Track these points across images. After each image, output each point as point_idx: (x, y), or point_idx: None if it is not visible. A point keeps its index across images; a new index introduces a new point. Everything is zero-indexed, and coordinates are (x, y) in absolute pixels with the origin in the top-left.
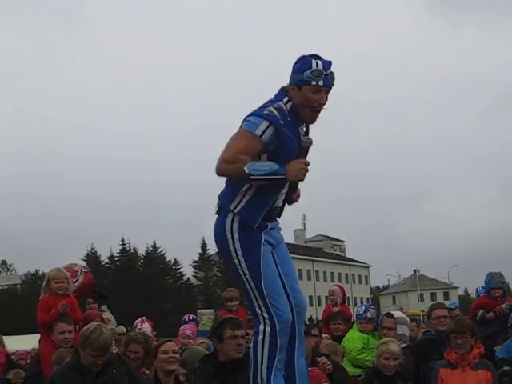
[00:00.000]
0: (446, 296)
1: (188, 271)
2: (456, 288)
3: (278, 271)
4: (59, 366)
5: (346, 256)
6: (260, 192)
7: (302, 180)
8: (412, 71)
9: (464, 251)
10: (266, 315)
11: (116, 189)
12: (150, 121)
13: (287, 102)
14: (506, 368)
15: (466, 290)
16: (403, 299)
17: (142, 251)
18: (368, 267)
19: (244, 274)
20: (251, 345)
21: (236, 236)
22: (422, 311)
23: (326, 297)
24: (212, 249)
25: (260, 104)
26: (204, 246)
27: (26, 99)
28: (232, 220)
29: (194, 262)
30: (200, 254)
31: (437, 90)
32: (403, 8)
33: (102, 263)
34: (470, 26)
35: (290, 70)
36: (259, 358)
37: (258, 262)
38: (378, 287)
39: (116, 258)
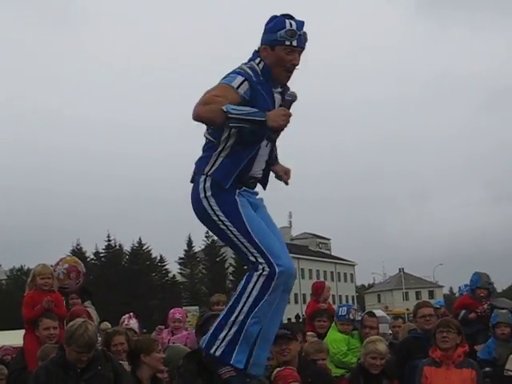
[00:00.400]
0: (431, 295)
1: (174, 268)
2: (441, 287)
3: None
4: (44, 361)
5: (332, 254)
6: (234, 152)
7: (282, 128)
8: (401, 71)
9: (449, 250)
10: (261, 260)
11: (102, 184)
12: (139, 114)
13: (259, 62)
14: (487, 369)
15: (451, 288)
16: (388, 298)
17: (127, 247)
18: (353, 265)
19: (226, 227)
20: (242, 280)
21: (209, 193)
22: (407, 310)
23: (311, 294)
24: (198, 246)
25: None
26: (190, 243)
27: (17, 91)
28: (204, 181)
29: (180, 258)
30: (186, 250)
31: (427, 89)
32: (391, 9)
33: (88, 259)
34: (459, 25)
35: (264, 28)
36: (247, 292)
37: (236, 208)
38: (363, 285)
39: (101, 254)
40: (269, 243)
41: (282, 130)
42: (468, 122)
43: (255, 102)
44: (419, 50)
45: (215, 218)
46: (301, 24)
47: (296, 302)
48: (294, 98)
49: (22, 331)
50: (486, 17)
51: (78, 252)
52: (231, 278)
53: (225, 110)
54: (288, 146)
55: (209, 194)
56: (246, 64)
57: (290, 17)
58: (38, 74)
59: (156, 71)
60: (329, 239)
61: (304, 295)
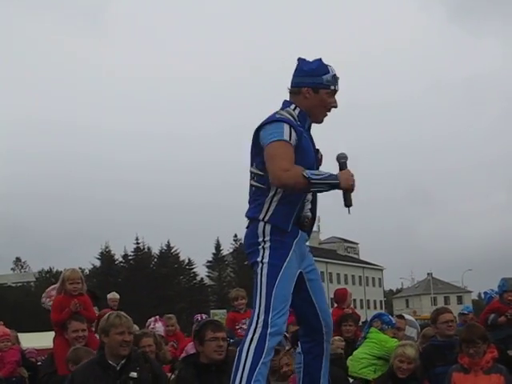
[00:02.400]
0: (460, 300)
1: (202, 271)
2: (469, 292)
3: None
4: (81, 363)
5: (360, 258)
6: (285, 198)
7: (353, 189)
8: (427, 75)
9: (478, 255)
10: (262, 316)
11: (131, 189)
12: (167, 123)
13: (294, 108)
14: None
15: (479, 294)
16: (416, 303)
17: (156, 250)
18: (382, 270)
19: (261, 272)
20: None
21: (267, 238)
22: None
23: (335, 302)
24: (226, 249)
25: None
26: (218, 247)
27: (40, 103)
28: (264, 226)
29: (208, 262)
30: (214, 254)
31: (455, 93)
32: (423, 16)
33: (116, 262)
34: (490, 35)
35: (298, 71)
36: (243, 356)
37: (283, 260)
38: (391, 290)
39: (130, 257)
40: (279, 306)
41: (353, 190)
42: (496, 126)
43: (302, 147)
44: (450, 57)
45: (259, 258)
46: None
47: None
48: (346, 158)
49: (49, 333)
50: None
51: (106, 255)
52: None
53: (307, 176)
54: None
55: (267, 238)
56: (281, 111)
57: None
58: (63, 87)
59: (183, 84)
60: (357, 243)
61: (331, 300)
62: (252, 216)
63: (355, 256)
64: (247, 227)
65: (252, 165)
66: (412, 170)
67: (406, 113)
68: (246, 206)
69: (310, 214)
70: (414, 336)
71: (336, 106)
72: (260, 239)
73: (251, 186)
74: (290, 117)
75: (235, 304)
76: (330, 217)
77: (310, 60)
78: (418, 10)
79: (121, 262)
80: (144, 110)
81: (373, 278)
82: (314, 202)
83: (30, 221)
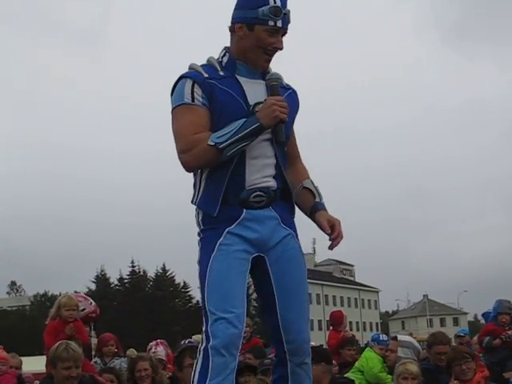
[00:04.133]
0: (456, 322)
1: (197, 294)
2: (466, 314)
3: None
4: None
5: (356, 280)
6: (210, 175)
7: (283, 120)
8: (425, 98)
9: (474, 277)
10: (204, 327)
11: (126, 211)
12: (162, 143)
13: (224, 55)
14: None
15: (475, 315)
16: (412, 324)
17: (151, 274)
18: (377, 292)
19: (200, 275)
20: None
21: (201, 228)
22: None
23: (330, 325)
24: None
25: None
26: None
27: (38, 126)
28: (198, 214)
29: None
30: None
31: (451, 117)
32: (417, 41)
33: (112, 285)
34: (483, 58)
35: (236, 3)
36: (191, 381)
37: (208, 259)
38: (387, 312)
39: (125, 281)
40: (217, 305)
41: (284, 121)
42: (493, 147)
43: (218, 102)
44: (443, 80)
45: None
46: (285, 0)
47: (320, 328)
48: (277, 79)
49: (45, 357)
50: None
51: (102, 278)
52: (255, 304)
53: (212, 144)
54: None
55: (200, 229)
56: (203, 62)
57: None
58: (65, 111)
59: None
60: (352, 265)
61: (328, 322)
62: (192, 200)
63: (351, 278)
64: None
65: None
66: (408, 191)
67: (402, 137)
68: None
69: (272, 183)
70: (410, 356)
71: (280, 48)
72: (198, 230)
73: None
74: (198, 69)
75: None
76: (326, 238)
77: None
78: (412, 33)
79: (116, 285)
80: (139, 131)
81: (369, 300)
82: (278, 166)
83: (25, 244)
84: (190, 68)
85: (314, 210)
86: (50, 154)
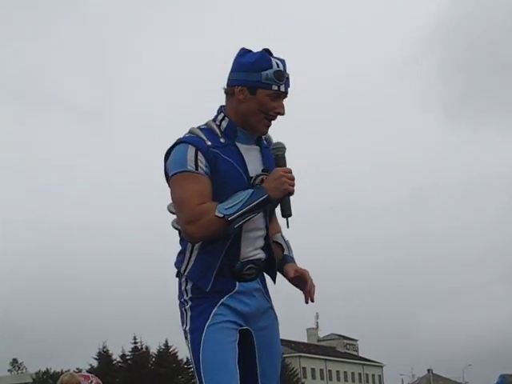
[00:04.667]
0: None
1: None
2: None
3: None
4: None
5: (360, 355)
6: (205, 246)
7: (291, 193)
8: (429, 171)
9: (479, 350)
10: None
11: (127, 285)
12: (161, 216)
13: (222, 118)
14: None
15: None
16: None
17: (154, 350)
18: (381, 366)
19: (186, 337)
20: None
21: (188, 297)
22: None
23: None
24: None
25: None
26: None
27: (38, 203)
28: (185, 283)
29: None
30: None
31: (456, 189)
32: (419, 111)
33: (114, 362)
34: (488, 129)
35: (233, 64)
36: None
37: (200, 337)
38: None
39: (128, 357)
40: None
41: (292, 193)
42: (496, 219)
43: (219, 172)
44: (447, 152)
45: (183, 328)
46: (284, 64)
47: None
48: (283, 149)
49: None
50: None
51: (104, 355)
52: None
53: (220, 216)
54: (305, 246)
55: (187, 298)
56: (200, 126)
57: (271, 53)
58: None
59: None
60: (356, 340)
61: None
62: (176, 267)
63: (354, 353)
64: (176, 276)
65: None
66: (410, 263)
67: (404, 212)
68: None
69: (262, 254)
70: None
71: (282, 113)
72: (182, 299)
73: (174, 228)
74: (200, 134)
75: None
76: (329, 313)
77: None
78: (415, 108)
79: (119, 361)
80: (141, 206)
81: (373, 375)
82: (267, 237)
83: (26, 320)
84: (191, 132)
85: (283, 262)
86: (48, 231)
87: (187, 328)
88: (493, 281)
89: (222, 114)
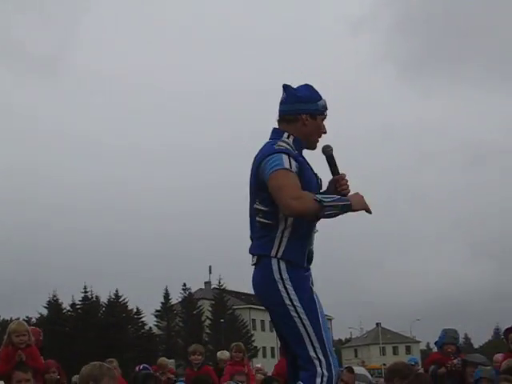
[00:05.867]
0: (408, 350)
1: (150, 320)
2: (418, 342)
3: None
4: None
5: None
6: (296, 232)
7: (368, 211)
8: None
9: (427, 306)
10: (323, 358)
11: (80, 236)
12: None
13: (288, 136)
14: None
15: (428, 344)
16: (365, 352)
17: (104, 299)
18: (330, 319)
19: (298, 314)
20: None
21: (286, 276)
22: (384, 365)
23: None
24: (175, 298)
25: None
26: (167, 296)
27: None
28: (278, 263)
29: (157, 311)
30: (162, 303)
31: (413, 152)
32: (372, 73)
33: (64, 311)
34: (439, 94)
35: (291, 97)
36: None
37: (313, 300)
38: (340, 340)
39: (78, 306)
40: (330, 343)
41: (369, 211)
42: (454, 184)
43: (304, 176)
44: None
45: (288, 302)
46: None
47: (273, 356)
48: (330, 149)
49: None
50: (466, 87)
51: (54, 303)
52: (208, 331)
53: (318, 200)
54: None
55: (286, 276)
56: (279, 141)
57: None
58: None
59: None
60: None
61: (280, 350)
62: (262, 252)
63: None
64: (255, 265)
65: (255, 201)
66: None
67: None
68: (198, 256)
69: (313, 245)
70: None
71: (325, 132)
72: (277, 277)
73: (256, 222)
74: (288, 146)
75: (192, 358)
76: None
77: (295, 86)
78: (369, 67)
79: (68, 310)
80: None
81: None
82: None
83: None
84: (281, 146)
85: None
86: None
87: (296, 303)
88: (442, 237)
89: (287, 133)
